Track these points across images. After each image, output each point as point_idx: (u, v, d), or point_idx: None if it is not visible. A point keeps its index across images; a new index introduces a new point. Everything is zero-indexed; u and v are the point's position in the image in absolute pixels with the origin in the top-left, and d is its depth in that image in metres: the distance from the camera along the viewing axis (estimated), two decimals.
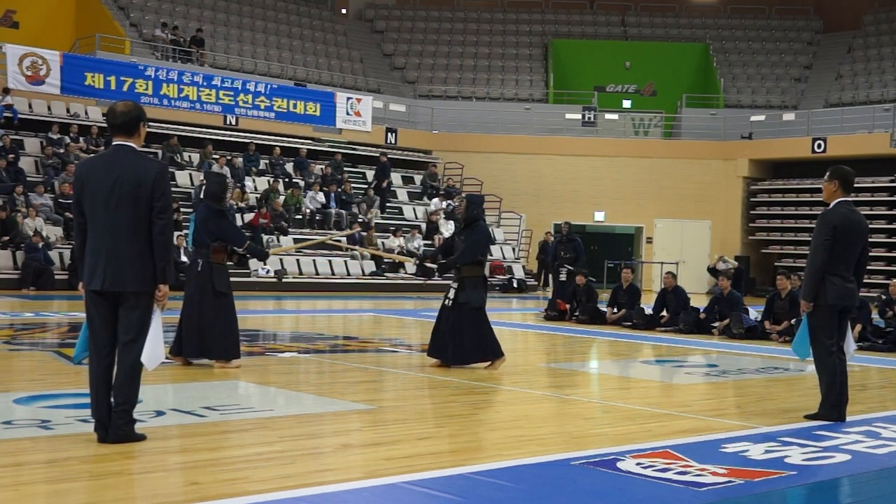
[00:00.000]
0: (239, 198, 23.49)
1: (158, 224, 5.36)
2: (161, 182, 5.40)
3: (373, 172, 27.92)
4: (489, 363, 9.33)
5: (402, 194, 28.25)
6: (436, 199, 27.55)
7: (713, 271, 18.48)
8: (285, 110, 26.63)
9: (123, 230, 5.34)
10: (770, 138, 29.75)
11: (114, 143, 5.54)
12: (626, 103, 34.53)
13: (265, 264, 21.60)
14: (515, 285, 25.35)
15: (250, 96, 26.02)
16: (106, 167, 5.42)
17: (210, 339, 8.58)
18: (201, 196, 9.27)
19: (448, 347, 9.19)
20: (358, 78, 32.45)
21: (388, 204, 27.05)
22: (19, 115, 22.73)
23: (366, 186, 27.11)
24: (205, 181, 9.73)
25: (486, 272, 9.74)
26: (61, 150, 22.15)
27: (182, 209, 21.26)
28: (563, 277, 16.84)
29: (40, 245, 18.66)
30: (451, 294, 9.28)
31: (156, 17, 29.84)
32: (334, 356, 10.53)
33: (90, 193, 5.39)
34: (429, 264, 10.32)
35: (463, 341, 9.16)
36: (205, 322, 8.58)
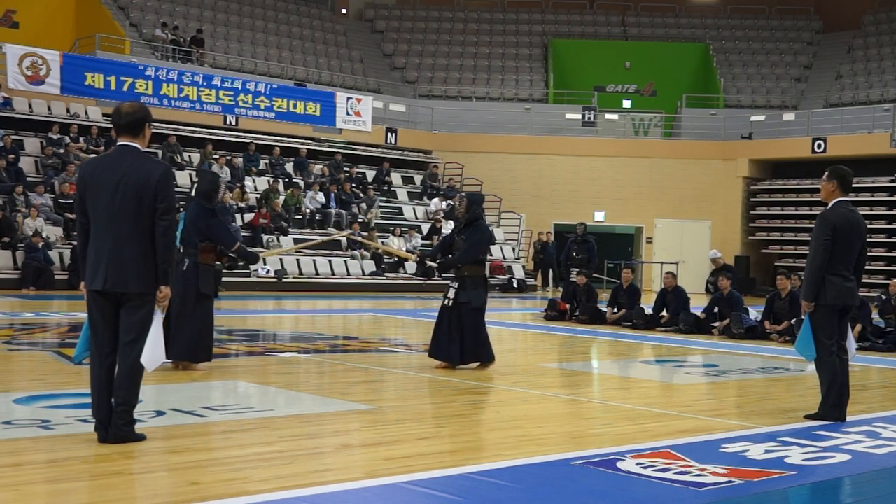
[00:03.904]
0: (239, 198, 23.50)
1: (161, 225, 5.35)
2: (165, 183, 5.38)
3: (373, 173, 27.97)
4: (479, 364, 9.31)
5: (402, 194, 28.26)
6: (436, 199, 27.56)
7: (713, 283, 17.98)
8: (285, 110, 26.63)
9: (126, 231, 5.33)
10: (770, 138, 29.74)
11: (118, 143, 5.53)
12: (626, 103, 34.52)
13: (265, 264, 21.62)
14: (515, 285, 25.34)
15: (250, 96, 26.02)
16: (110, 167, 5.41)
17: (182, 340, 8.20)
18: (192, 194, 8.95)
19: (450, 347, 9.17)
20: (358, 78, 32.45)
21: (389, 203, 27.07)
22: (19, 114, 22.77)
23: (368, 185, 27.10)
24: (197, 178, 9.45)
25: (487, 272, 9.68)
26: (61, 150, 22.15)
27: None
28: (573, 278, 16.77)
29: (40, 245, 18.66)
30: (451, 294, 9.24)
31: (156, 17, 29.84)
32: (334, 356, 10.53)
33: (93, 193, 5.38)
34: (429, 262, 10.26)
35: (464, 341, 9.14)
36: (181, 322, 8.21)
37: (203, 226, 8.44)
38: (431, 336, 9.39)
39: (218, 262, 8.72)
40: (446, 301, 9.26)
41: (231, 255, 8.79)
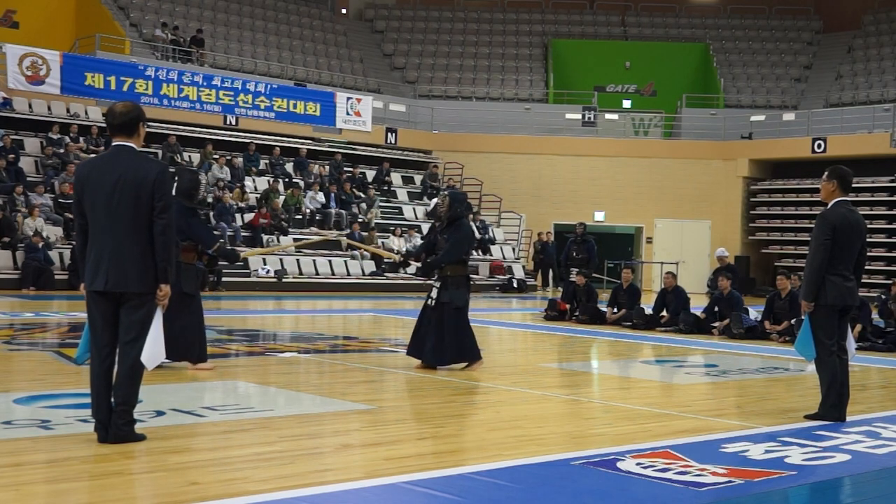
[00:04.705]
0: (239, 198, 23.50)
1: (159, 224, 5.37)
2: (161, 182, 5.41)
3: (373, 173, 27.99)
4: (466, 364, 9.25)
5: (402, 194, 28.27)
6: (436, 199, 27.54)
7: (713, 281, 18.12)
8: (285, 110, 26.62)
9: (124, 231, 5.34)
10: (770, 138, 29.75)
11: (113, 143, 5.54)
12: (626, 103, 34.52)
13: (265, 264, 21.62)
14: (515, 285, 25.34)
15: (250, 96, 26.02)
16: (106, 168, 5.42)
17: (172, 341, 7.77)
18: (173, 193, 8.89)
19: (427, 346, 9.10)
20: (358, 78, 32.45)
21: (389, 203, 27.09)
22: (19, 114, 22.76)
23: (368, 185, 27.10)
24: (177, 177, 9.31)
25: (472, 271, 9.61)
26: (61, 150, 22.15)
27: None
28: (573, 278, 16.77)
29: (40, 245, 18.66)
30: (434, 293, 9.18)
31: (156, 17, 29.84)
32: (334, 356, 10.53)
33: (91, 194, 5.39)
34: (413, 262, 10.22)
35: (443, 340, 9.04)
36: (169, 323, 8.18)
37: (183, 225, 8.32)
38: (411, 335, 9.33)
39: (199, 261, 8.66)
40: (429, 301, 9.22)
41: (211, 254, 8.69)
